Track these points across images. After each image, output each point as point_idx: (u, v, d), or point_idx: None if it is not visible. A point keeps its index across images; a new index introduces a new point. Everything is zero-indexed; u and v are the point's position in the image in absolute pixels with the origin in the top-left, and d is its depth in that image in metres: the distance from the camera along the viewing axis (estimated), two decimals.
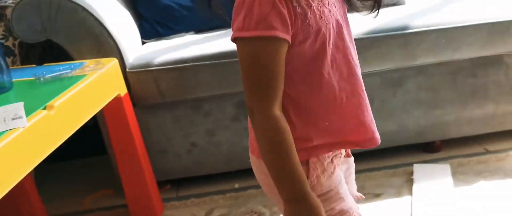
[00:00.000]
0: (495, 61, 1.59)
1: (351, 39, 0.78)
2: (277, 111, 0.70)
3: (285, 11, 0.67)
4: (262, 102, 0.69)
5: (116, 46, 1.45)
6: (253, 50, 0.68)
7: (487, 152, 1.67)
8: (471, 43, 1.51)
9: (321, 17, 0.71)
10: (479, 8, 1.58)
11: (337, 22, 0.74)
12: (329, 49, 0.73)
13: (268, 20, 0.66)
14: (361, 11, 0.81)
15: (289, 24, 0.68)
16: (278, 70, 0.69)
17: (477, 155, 1.65)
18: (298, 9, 0.69)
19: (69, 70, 1.26)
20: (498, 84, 1.61)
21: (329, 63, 0.74)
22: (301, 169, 0.71)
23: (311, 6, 0.70)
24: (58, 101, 1.06)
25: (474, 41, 1.51)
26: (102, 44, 1.44)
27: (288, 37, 0.68)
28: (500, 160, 1.60)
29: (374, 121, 0.81)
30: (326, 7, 0.73)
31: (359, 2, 0.79)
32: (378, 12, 0.79)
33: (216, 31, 1.78)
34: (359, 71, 0.79)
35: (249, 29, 0.67)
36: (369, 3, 0.79)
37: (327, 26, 0.72)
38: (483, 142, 1.72)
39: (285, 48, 0.69)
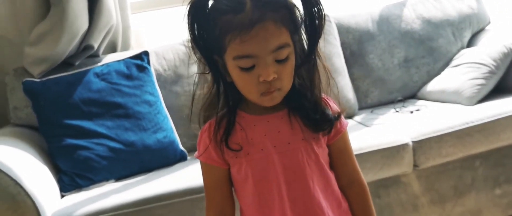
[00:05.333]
0: (394, 181, 1.76)
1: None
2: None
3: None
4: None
5: (34, 205, 1.45)
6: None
7: None
8: (370, 168, 1.69)
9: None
10: (371, 136, 1.79)
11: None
12: None
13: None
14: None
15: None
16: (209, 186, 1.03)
17: None
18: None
19: None
20: (400, 203, 1.76)
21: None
22: None
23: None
24: None
25: (372, 166, 1.68)
26: (19, 204, 1.43)
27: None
28: None
29: None
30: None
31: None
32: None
33: (136, 177, 1.81)
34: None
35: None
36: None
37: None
38: None
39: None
